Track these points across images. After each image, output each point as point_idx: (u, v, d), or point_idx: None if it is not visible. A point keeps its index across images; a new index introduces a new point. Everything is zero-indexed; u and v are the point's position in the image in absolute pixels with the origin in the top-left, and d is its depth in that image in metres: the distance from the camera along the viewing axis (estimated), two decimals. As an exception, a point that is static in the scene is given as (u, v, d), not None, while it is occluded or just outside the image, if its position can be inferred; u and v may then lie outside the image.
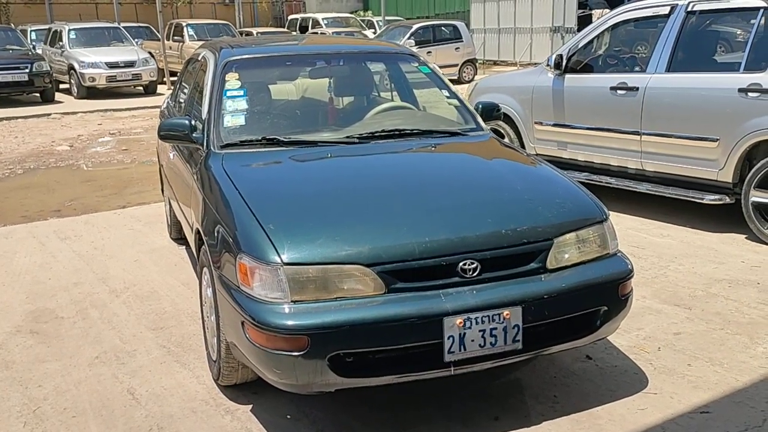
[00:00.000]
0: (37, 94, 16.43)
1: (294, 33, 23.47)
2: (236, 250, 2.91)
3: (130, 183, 8.34)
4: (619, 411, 3.12)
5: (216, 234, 3.15)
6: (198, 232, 3.55)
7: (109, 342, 3.96)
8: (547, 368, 3.52)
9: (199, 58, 4.81)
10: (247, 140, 3.79)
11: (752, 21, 5.34)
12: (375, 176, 3.51)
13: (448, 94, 4.42)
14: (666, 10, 5.84)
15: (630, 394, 3.25)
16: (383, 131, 3.91)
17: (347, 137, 3.86)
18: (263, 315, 2.74)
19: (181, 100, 5.15)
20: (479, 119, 4.25)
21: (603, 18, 6.48)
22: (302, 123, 4.21)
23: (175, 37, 19.55)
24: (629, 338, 3.78)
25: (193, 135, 3.86)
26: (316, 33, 22.42)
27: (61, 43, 17.82)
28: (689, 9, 5.69)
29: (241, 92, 4.04)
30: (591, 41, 6.44)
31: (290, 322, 2.70)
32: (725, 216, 5.76)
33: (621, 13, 6.25)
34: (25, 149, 10.82)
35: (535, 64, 21.82)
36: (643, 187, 5.93)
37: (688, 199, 5.65)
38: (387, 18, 24.63)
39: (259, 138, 3.80)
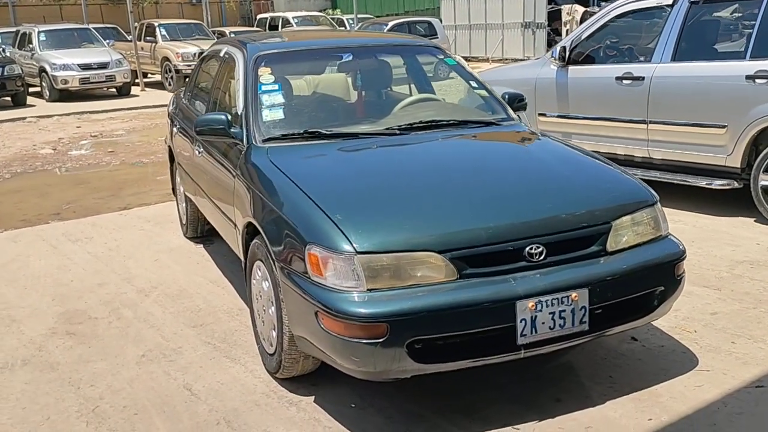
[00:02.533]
0: (8, 98, 16.08)
1: (265, 32, 23.29)
2: (304, 241, 2.92)
3: (125, 185, 8.25)
4: (678, 388, 3.20)
5: (277, 227, 3.15)
6: (247, 226, 3.54)
7: (152, 340, 3.92)
8: (595, 350, 3.59)
9: (221, 54, 4.78)
10: (288, 134, 3.80)
11: (756, 9, 5.48)
12: (427, 165, 3.54)
13: (476, 85, 4.47)
14: (670, 1, 5.96)
15: (683, 373, 3.34)
16: (421, 122, 3.94)
17: (387, 129, 3.88)
18: (339, 304, 2.75)
19: (201, 98, 5.11)
20: (509, 109, 4.31)
21: (606, 9, 6.59)
22: (339, 116, 4.23)
23: (147, 38, 19.27)
24: (668, 319, 3.85)
25: (231, 130, 3.85)
26: (288, 32, 22.28)
27: (30, 46, 17.49)
28: (692, -1, 5.82)
29: (276, 86, 4.04)
30: (594, 33, 6.54)
31: (369, 310, 2.71)
32: (731, 200, 5.90)
33: (624, 5, 6.35)
34: (8, 153, 10.61)
35: (507, 59, 21.99)
36: (651, 175, 6.04)
37: (697, 185, 5.78)
38: (358, 16, 24.63)
39: (301, 131, 3.80)
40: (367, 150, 3.67)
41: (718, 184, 5.67)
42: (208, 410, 3.19)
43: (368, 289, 2.77)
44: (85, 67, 16.58)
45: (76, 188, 8.21)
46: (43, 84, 16.90)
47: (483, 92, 4.42)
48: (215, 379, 3.47)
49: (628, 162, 6.25)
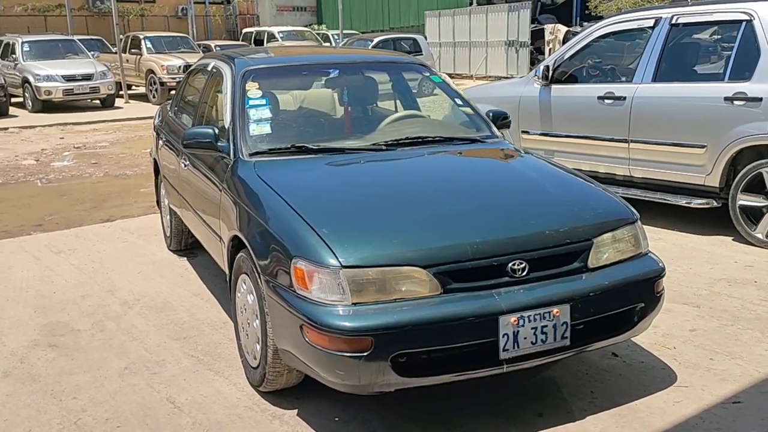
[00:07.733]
0: (-10, 108, 16.01)
1: (252, 47, 23.36)
2: (290, 255, 2.94)
3: (108, 197, 8.22)
4: (657, 404, 3.25)
5: (263, 240, 3.17)
6: (233, 239, 3.55)
7: (135, 353, 3.92)
8: (577, 366, 3.63)
9: (209, 69, 4.81)
10: (275, 148, 3.82)
11: (735, 33, 5.60)
12: (413, 181, 3.58)
13: (460, 103, 4.53)
14: (651, 23, 6.08)
15: (663, 388, 3.39)
16: (407, 138, 3.99)
17: (374, 144, 3.92)
18: (324, 317, 2.77)
19: (187, 111, 5.13)
20: (493, 127, 4.37)
21: (589, 30, 6.70)
22: (325, 131, 4.27)
23: (132, 50, 19.28)
24: (648, 336, 3.91)
25: (219, 144, 3.88)
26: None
27: (14, 56, 17.40)
28: (673, 22, 5.94)
29: (264, 101, 4.07)
30: (577, 53, 6.64)
31: (354, 324, 2.74)
32: (710, 219, 6.00)
33: (607, 26, 6.47)
34: (-11, 164, 10.55)
35: (491, 77, 22.17)
36: (632, 193, 6.13)
37: (677, 203, 5.87)
38: (344, 31, 24.78)
39: (288, 146, 3.83)
40: (354, 165, 3.71)
41: (697, 203, 5.76)
42: (191, 423, 3.19)
43: (353, 303, 2.80)
44: (69, 78, 16.53)
45: (58, 199, 8.16)
46: (26, 95, 16.81)
47: (468, 110, 4.48)
48: (198, 392, 3.47)
49: (609, 180, 6.33)
